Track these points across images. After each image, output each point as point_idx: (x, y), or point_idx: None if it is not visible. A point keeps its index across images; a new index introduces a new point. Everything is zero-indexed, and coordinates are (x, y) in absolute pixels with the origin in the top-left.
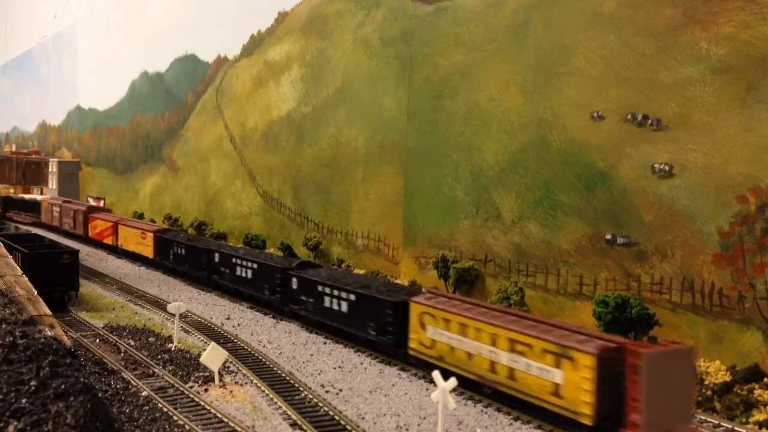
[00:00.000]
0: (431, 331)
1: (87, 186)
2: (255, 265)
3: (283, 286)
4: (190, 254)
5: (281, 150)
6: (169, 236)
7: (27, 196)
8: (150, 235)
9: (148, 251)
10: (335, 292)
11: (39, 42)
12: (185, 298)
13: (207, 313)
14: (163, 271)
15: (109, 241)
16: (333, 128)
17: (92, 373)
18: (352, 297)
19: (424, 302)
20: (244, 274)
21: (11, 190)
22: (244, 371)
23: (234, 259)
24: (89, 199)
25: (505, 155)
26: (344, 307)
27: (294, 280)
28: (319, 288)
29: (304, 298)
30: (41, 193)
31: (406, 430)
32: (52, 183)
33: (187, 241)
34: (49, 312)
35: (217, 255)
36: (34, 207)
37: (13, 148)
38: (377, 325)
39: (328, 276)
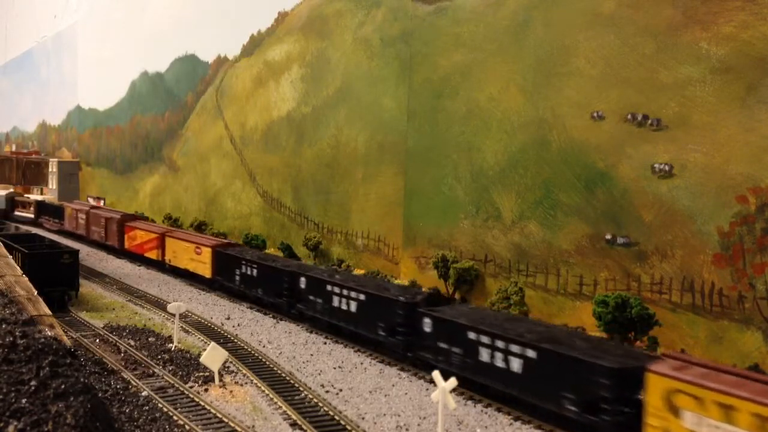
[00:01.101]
0: (692, 419)
1: (87, 186)
2: (362, 296)
3: (407, 326)
4: (264, 276)
5: (281, 150)
6: (234, 253)
7: (56, 202)
8: (207, 251)
9: (205, 270)
10: (498, 344)
11: (39, 42)
12: (185, 298)
13: (207, 313)
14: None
15: (152, 255)
16: (333, 128)
17: (92, 373)
18: (530, 353)
19: (674, 375)
20: (345, 306)
21: (47, 198)
22: (244, 371)
23: (329, 286)
24: (89, 198)
25: (505, 155)
26: (516, 365)
27: (427, 320)
28: (471, 335)
29: (444, 346)
30: (41, 193)
31: (406, 430)
32: (52, 183)
33: (260, 260)
34: (49, 312)
35: (303, 279)
36: (60, 213)
37: (13, 148)
38: (577, 398)
39: (480, 318)
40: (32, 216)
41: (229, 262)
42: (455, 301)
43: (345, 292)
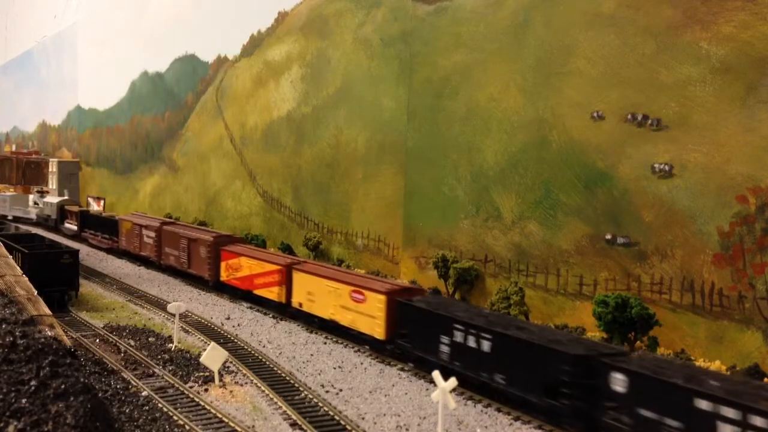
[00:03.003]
0: None
1: (87, 186)
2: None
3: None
4: (509, 354)
5: (281, 150)
6: (431, 307)
7: (105, 213)
8: (377, 299)
9: (373, 327)
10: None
11: (39, 42)
12: (185, 298)
13: (207, 313)
14: (168, 274)
15: (269, 294)
16: (333, 128)
17: (92, 373)
18: None
19: None
20: None
21: (96, 207)
22: (244, 371)
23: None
24: (89, 199)
25: (505, 155)
26: None
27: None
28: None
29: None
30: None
31: (406, 430)
32: (52, 183)
33: (496, 326)
34: (49, 312)
35: (618, 377)
36: (112, 227)
37: (13, 148)
38: None
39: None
40: (75, 228)
41: (423, 321)
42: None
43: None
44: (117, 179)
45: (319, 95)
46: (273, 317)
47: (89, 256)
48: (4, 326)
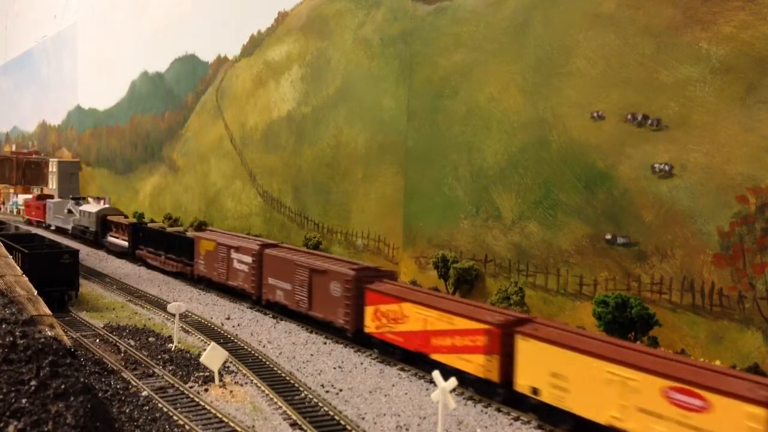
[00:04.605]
0: None
1: (87, 186)
2: None
3: None
4: None
5: (281, 150)
6: None
7: (171, 229)
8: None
9: None
10: None
11: (39, 42)
12: (185, 298)
13: (207, 313)
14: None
15: (468, 366)
16: (333, 128)
17: (92, 373)
18: None
19: None
20: None
21: (169, 225)
22: (244, 371)
23: None
24: (90, 199)
25: (505, 155)
26: None
27: None
28: None
29: None
30: (41, 193)
31: (406, 430)
32: (52, 183)
33: None
34: (49, 312)
35: None
36: (180, 246)
37: (13, 148)
38: None
39: None
40: (126, 243)
41: None
42: None
43: None
44: (117, 179)
45: (319, 95)
46: (273, 317)
47: (89, 256)
48: (4, 326)
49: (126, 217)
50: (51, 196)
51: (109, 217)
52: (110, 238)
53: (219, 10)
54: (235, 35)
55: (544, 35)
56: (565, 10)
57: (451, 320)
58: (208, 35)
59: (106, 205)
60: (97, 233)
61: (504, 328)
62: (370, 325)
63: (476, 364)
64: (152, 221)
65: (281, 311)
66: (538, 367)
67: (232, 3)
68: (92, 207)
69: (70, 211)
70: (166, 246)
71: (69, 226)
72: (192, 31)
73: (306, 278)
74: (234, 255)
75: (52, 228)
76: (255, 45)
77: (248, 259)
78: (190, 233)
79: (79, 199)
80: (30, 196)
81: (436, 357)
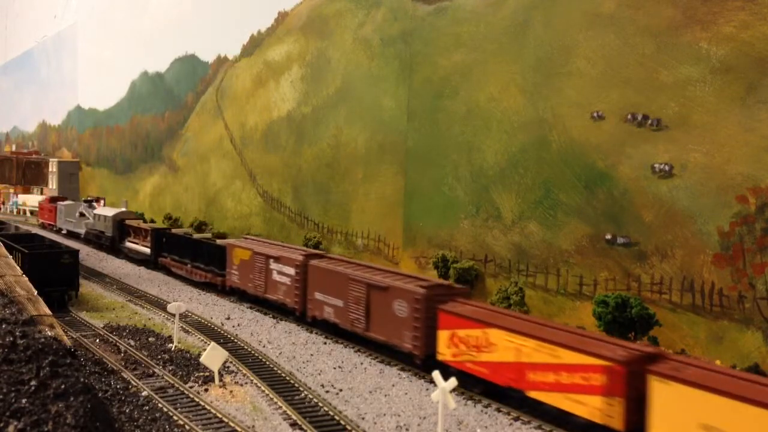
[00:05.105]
0: None
1: (87, 186)
2: None
3: None
4: None
5: (281, 150)
6: None
7: (198, 235)
8: None
9: None
10: None
11: (39, 42)
12: (185, 298)
13: (207, 313)
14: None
15: (580, 409)
16: (333, 128)
17: (92, 373)
18: None
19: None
20: None
21: (169, 225)
22: (244, 371)
23: None
24: (90, 199)
25: (505, 155)
26: None
27: None
28: None
29: None
30: (41, 193)
31: (406, 430)
32: (52, 183)
33: None
34: (49, 312)
35: None
36: (209, 254)
37: (13, 148)
38: None
39: None
40: (148, 250)
41: None
42: None
43: None
44: (117, 179)
45: (319, 95)
46: (273, 317)
47: (89, 256)
48: (4, 326)
49: (144, 221)
50: (64, 198)
51: (127, 221)
52: (129, 244)
53: (219, 10)
54: (235, 35)
55: (544, 35)
56: (565, 10)
57: (555, 352)
58: (208, 35)
59: (123, 208)
60: (113, 238)
61: (630, 366)
62: (445, 352)
63: (591, 408)
64: (152, 221)
65: (331, 330)
66: (683, 418)
67: (232, 3)
68: (107, 210)
69: (82, 214)
70: (192, 254)
71: (81, 231)
72: (192, 31)
73: (362, 295)
74: (273, 265)
75: (63, 232)
76: (255, 45)
77: (290, 270)
78: (221, 240)
79: (92, 201)
80: (40, 197)
81: (535, 395)
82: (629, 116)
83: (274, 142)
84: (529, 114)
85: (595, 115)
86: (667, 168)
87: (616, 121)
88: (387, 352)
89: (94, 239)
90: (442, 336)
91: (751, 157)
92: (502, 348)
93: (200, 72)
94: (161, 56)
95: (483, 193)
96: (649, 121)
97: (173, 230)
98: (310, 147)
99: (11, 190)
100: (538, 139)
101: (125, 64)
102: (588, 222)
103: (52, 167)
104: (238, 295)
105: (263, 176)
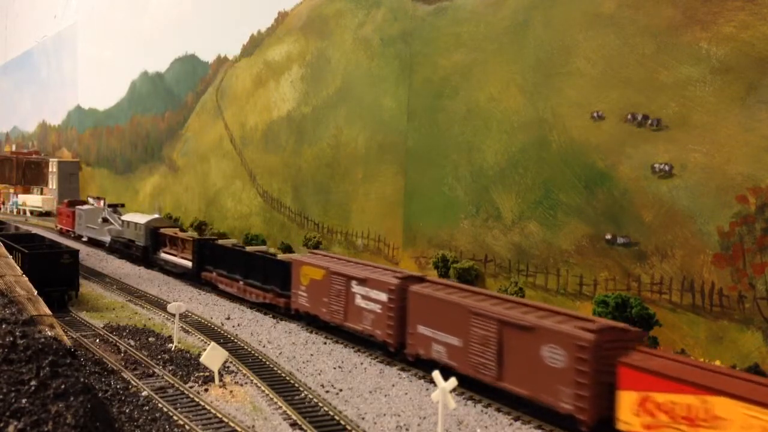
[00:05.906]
0: None
1: (87, 186)
2: None
3: None
4: None
5: (281, 150)
6: None
7: (252, 248)
8: None
9: None
10: None
11: (39, 42)
12: (185, 298)
13: (207, 313)
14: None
15: None
16: (333, 128)
17: (92, 373)
18: None
19: None
20: None
21: (212, 235)
22: (244, 371)
23: None
24: (89, 199)
25: (505, 155)
26: None
27: None
28: None
29: None
30: (41, 194)
31: (406, 430)
32: (52, 183)
33: None
34: (49, 312)
35: None
36: (267, 270)
37: (13, 148)
38: None
39: None
40: (188, 263)
41: None
42: None
43: None
44: (117, 179)
45: (319, 95)
46: (273, 317)
47: (89, 256)
48: (4, 326)
49: (182, 229)
50: (83, 202)
51: (162, 230)
52: (165, 255)
53: (219, 10)
54: (235, 35)
55: (544, 35)
56: (565, 10)
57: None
58: (208, 35)
59: (156, 215)
60: (146, 248)
61: None
62: (632, 422)
63: None
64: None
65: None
66: None
67: (232, 3)
68: (139, 216)
69: (105, 220)
70: (245, 269)
71: (106, 239)
72: (192, 31)
73: (493, 334)
74: (356, 288)
75: (84, 239)
76: (255, 45)
77: (382, 296)
78: (283, 256)
79: (116, 206)
80: (40, 197)
81: None
82: (629, 116)
83: (274, 142)
84: (529, 114)
85: (595, 115)
86: (667, 168)
87: (616, 121)
88: (524, 407)
89: (122, 248)
90: (626, 399)
91: (751, 157)
92: (736, 426)
93: (200, 72)
94: (161, 56)
95: (483, 193)
96: (649, 121)
97: (219, 241)
98: (310, 147)
99: (11, 190)
100: (538, 139)
101: (125, 64)
102: (588, 222)
103: (52, 167)
104: (308, 320)
105: (263, 176)
